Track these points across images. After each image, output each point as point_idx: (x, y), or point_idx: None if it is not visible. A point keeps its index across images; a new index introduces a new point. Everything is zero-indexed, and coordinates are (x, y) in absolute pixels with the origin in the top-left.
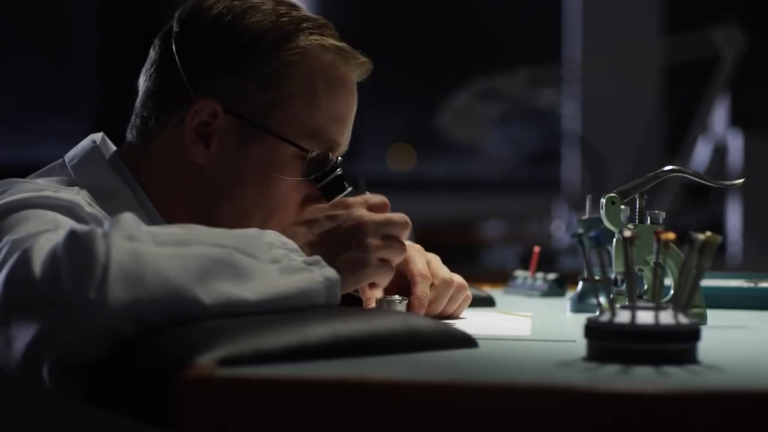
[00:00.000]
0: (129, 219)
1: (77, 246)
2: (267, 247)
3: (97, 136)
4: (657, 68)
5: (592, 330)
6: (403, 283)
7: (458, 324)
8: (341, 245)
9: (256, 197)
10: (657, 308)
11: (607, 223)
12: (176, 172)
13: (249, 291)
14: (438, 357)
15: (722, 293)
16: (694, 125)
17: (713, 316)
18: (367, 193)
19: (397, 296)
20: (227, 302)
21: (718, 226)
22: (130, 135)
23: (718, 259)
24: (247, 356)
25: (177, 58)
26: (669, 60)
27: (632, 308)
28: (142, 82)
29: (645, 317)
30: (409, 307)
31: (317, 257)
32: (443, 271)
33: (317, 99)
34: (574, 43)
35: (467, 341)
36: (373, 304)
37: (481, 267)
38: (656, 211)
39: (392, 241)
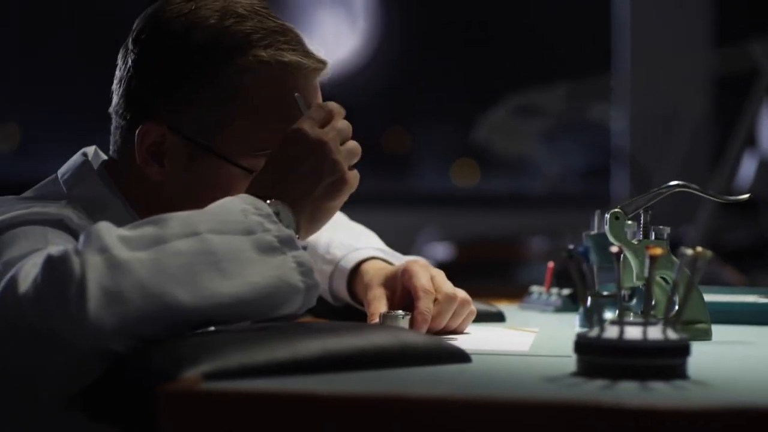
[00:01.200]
0: (101, 229)
1: (53, 271)
2: (242, 215)
3: (90, 150)
4: (705, 81)
5: (580, 345)
6: (407, 298)
7: (460, 339)
8: (314, 177)
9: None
10: (645, 324)
11: (611, 239)
12: (146, 186)
13: (229, 286)
14: (429, 372)
15: (731, 309)
16: (737, 139)
17: (725, 331)
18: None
19: (400, 311)
20: (208, 300)
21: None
22: (111, 148)
23: (762, 274)
24: (233, 370)
25: (131, 76)
26: (717, 73)
27: (621, 323)
28: (113, 95)
29: (634, 333)
30: (412, 322)
31: (288, 233)
32: (447, 287)
33: (262, 116)
34: (623, 57)
35: (460, 356)
36: (377, 319)
37: (519, 282)
38: (661, 227)
39: (351, 145)
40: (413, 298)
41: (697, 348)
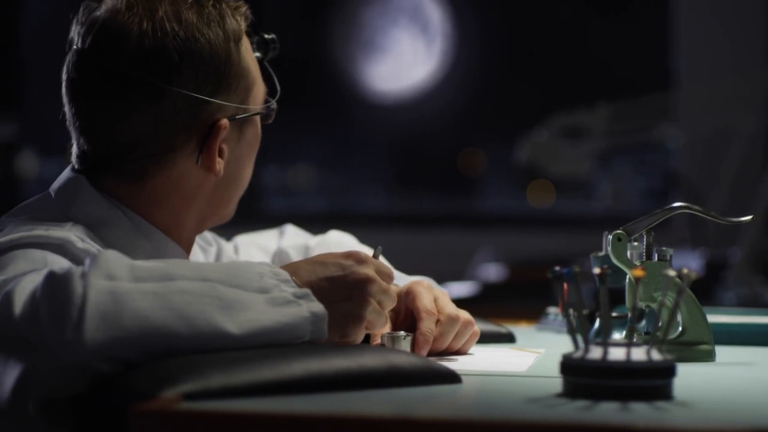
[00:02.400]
0: (109, 257)
1: (54, 287)
2: (258, 276)
3: (81, 171)
4: (761, 101)
5: (565, 366)
6: (410, 319)
7: (461, 359)
8: (342, 293)
9: (251, 163)
10: (629, 345)
11: (614, 260)
12: (185, 194)
13: (232, 324)
14: (415, 392)
15: (737, 330)
16: None
17: (731, 352)
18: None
19: (402, 332)
20: (209, 336)
21: None
22: (111, 178)
23: None
24: (216, 390)
25: (173, 94)
26: None
27: (605, 345)
28: (109, 131)
29: (618, 354)
30: (414, 343)
31: (307, 290)
32: (450, 308)
33: (253, 71)
34: (680, 76)
35: (450, 377)
36: (379, 340)
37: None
38: (663, 248)
39: (381, 312)
40: (416, 319)
41: (693, 369)
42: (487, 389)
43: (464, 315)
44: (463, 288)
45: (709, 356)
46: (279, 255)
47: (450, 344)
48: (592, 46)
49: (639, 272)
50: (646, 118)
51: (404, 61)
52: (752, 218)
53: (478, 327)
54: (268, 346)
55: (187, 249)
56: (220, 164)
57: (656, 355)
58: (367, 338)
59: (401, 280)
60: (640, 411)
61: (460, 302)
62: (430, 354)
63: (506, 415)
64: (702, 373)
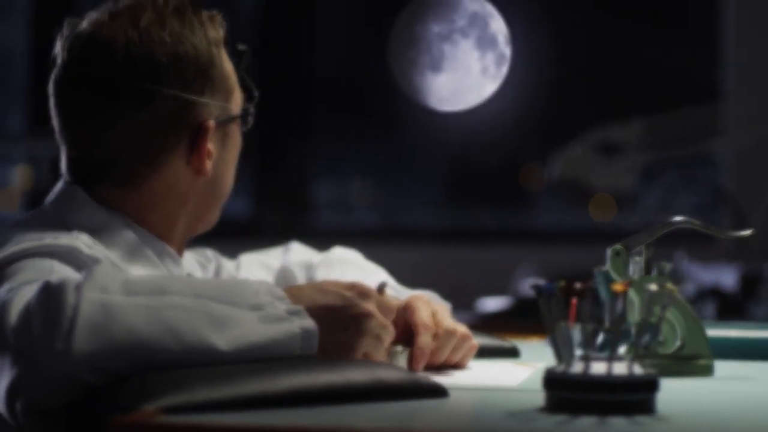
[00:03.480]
0: (104, 270)
1: (48, 298)
2: (253, 294)
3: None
4: None
5: (547, 380)
6: (408, 333)
7: (457, 373)
8: (339, 324)
9: (233, 168)
10: (611, 359)
11: (612, 274)
12: (178, 196)
13: (221, 340)
14: (401, 407)
15: (737, 344)
16: None
17: (732, 367)
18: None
19: (399, 346)
20: (197, 351)
21: None
22: (103, 185)
23: None
24: (198, 404)
25: (163, 95)
26: None
27: (586, 359)
28: (88, 136)
29: (599, 368)
30: (411, 357)
31: (299, 307)
32: (447, 322)
33: (230, 72)
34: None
35: (437, 391)
36: None
37: None
38: (662, 263)
39: (380, 344)
40: (413, 333)
41: (685, 384)
42: (473, 403)
43: (462, 329)
44: (497, 303)
45: (707, 371)
46: (283, 272)
47: (447, 358)
48: (645, 59)
49: (619, 287)
50: (691, 132)
51: (464, 75)
52: (752, 232)
53: (482, 341)
54: (257, 361)
55: (179, 254)
56: (208, 165)
57: (638, 370)
58: None
59: (402, 293)
60: (617, 425)
61: (491, 317)
62: (428, 368)
63: (484, 429)
64: (693, 388)
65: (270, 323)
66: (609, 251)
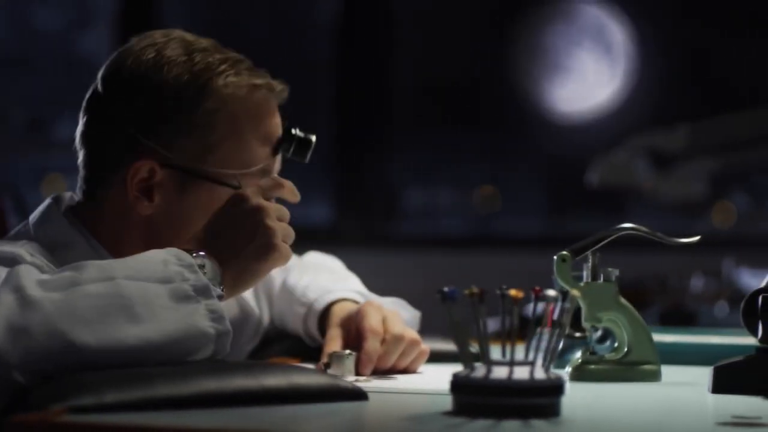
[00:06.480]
0: (20, 271)
1: None
2: (162, 265)
3: (62, 195)
4: None
5: (452, 384)
6: (359, 339)
7: (403, 378)
8: (244, 237)
9: (194, 222)
10: (511, 364)
11: (558, 281)
12: (128, 224)
13: (135, 330)
14: (314, 409)
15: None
16: None
17: (685, 373)
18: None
19: (346, 351)
20: (112, 342)
21: None
22: (79, 195)
23: None
24: (108, 405)
25: (106, 123)
26: None
27: (488, 363)
28: (79, 146)
29: (500, 372)
30: (358, 362)
31: (205, 282)
32: (397, 328)
33: (243, 136)
34: None
35: (356, 395)
36: (326, 359)
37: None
38: (609, 269)
39: (286, 228)
40: (361, 338)
41: (616, 389)
42: (388, 406)
43: (410, 334)
44: None
45: (654, 376)
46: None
47: (396, 363)
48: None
49: (518, 294)
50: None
51: (586, 81)
52: (699, 239)
53: (442, 347)
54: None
55: None
56: (143, 205)
57: (540, 374)
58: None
59: (375, 300)
60: (510, 428)
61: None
62: (376, 372)
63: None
64: (623, 393)
65: (179, 302)
66: (555, 258)
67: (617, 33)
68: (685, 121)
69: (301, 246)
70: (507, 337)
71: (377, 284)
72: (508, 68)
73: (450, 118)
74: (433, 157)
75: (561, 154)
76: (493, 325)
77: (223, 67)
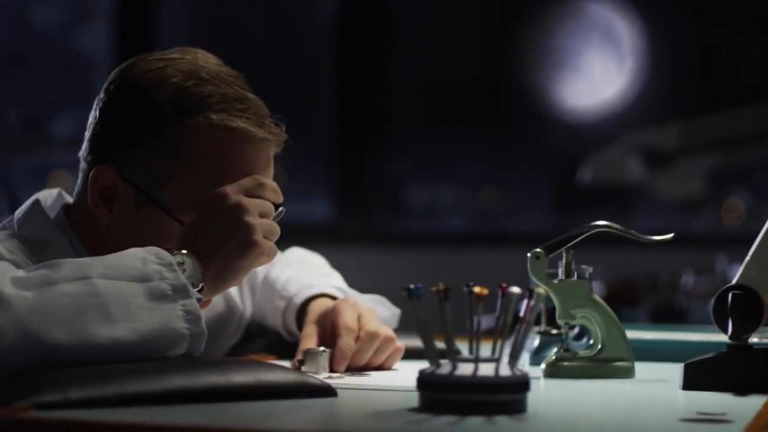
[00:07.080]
0: None
1: None
2: (141, 263)
3: (50, 192)
4: None
5: (418, 381)
6: (334, 336)
7: (376, 374)
8: (223, 237)
9: (140, 241)
10: (476, 361)
11: (532, 278)
12: (97, 228)
13: (108, 329)
14: (281, 405)
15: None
16: None
17: (659, 369)
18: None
19: (321, 348)
20: (85, 341)
21: None
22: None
23: None
24: (74, 401)
25: (96, 123)
26: None
27: (453, 360)
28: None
29: (465, 369)
30: (332, 359)
31: (183, 282)
32: (371, 325)
33: (206, 176)
34: None
35: (324, 391)
36: (300, 356)
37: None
38: (583, 266)
39: (268, 224)
40: (336, 335)
41: (589, 385)
42: (356, 403)
43: (385, 331)
44: None
45: (627, 373)
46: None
47: (370, 360)
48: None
49: (482, 291)
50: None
51: (592, 79)
52: (672, 236)
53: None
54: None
55: None
56: (102, 213)
57: (505, 371)
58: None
59: (355, 297)
60: (471, 425)
61: None
62: (350, 369)
63: (337, 428)
64: (595, 390)
65: (155, 301)
66: (529, 255)
67: (624, 30)
68: (694, 118)
69: (302, 244)
70: (473, 334)
71: (378, 282)
72: (509, 66)
73: (450, 117)
74: (433, 156)
75: (565, 151)
76: (486, 322)
77: (210, 100)
